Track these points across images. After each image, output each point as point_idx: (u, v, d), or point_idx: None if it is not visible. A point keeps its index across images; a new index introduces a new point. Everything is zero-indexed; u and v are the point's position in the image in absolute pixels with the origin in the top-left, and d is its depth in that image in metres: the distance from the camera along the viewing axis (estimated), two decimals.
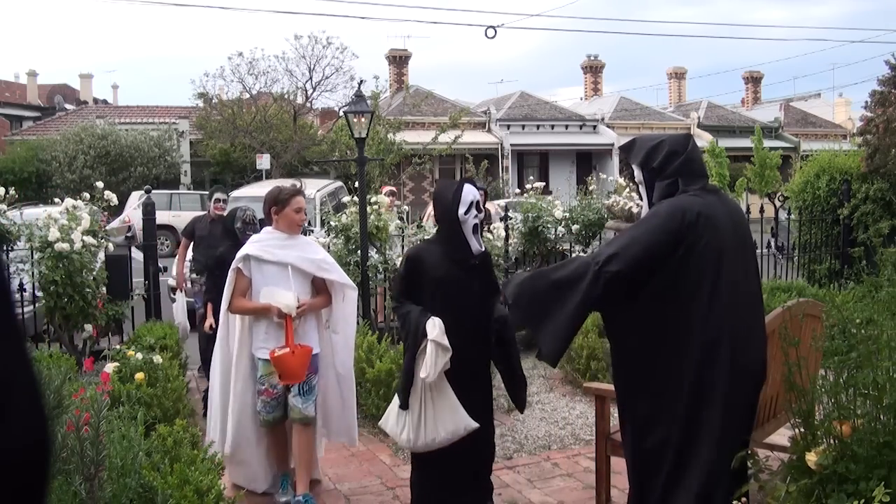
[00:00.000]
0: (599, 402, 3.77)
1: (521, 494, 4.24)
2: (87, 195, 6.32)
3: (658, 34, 79.44)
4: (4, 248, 6.22)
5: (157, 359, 5.12)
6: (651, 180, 2.91)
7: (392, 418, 3.59)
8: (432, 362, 3.32)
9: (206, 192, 12.82)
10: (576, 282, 2.76)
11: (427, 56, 77.16)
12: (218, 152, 24.19)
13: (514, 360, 3.68)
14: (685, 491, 2.71)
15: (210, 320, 5.62)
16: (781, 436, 3.36)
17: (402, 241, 7.60)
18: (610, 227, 7.76)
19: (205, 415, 4.79)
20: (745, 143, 28.45)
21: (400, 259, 5.45)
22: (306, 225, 4.35)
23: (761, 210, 8.56)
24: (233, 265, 4.09)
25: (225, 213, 6.89)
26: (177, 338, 6.34)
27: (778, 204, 12.06)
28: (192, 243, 7.26)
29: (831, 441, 2.60)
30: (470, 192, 3.57)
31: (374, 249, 7.29)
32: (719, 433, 2.67)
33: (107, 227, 6.55)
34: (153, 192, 8.07)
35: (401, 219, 8.28)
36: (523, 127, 29.38)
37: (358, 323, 4.58)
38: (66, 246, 5.69)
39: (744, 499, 2.69)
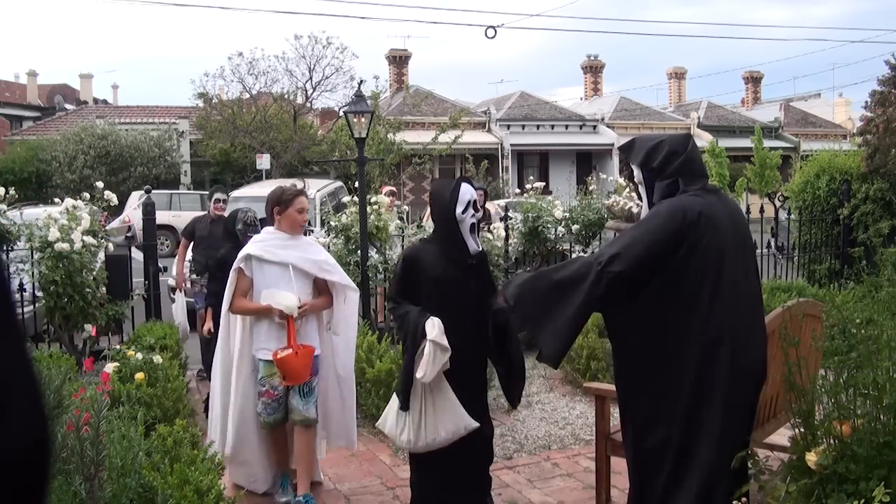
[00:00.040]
0: (599, 402, 3.77)
1: (521, 494, 4.24)
2: (87, 195, 6.32)
3: (658, 34, 79.48)
4: (4, 248, 6.22)
5: (157, 359, 5.12)
6: (651, 180, 2.91)
7: (391, 419, 3.57)
8: (429, 362, 3.31)
9: (206, 192, 12.82)
10: (578, 282, 2.75)
11: (427, 56, 77.19)
12: (218, 152, 24.20)
13: (514, 352, 3.63)
14: (685, 491, 2.71)
15: (209, 324, 5.62)
16: (781, 436, 3.36)
17: (402, 241, 7.60)
18: (610, 227, 7.75)
19: (206, 416, 4.78)
20: (745, 143, 28.45)
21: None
22: (306, 225, 4.34)
23: (761, 210, 8.56)
24: (234, 265, 4.09)
25: (225, 214, 6.89)
26: (177, 338, 6.34)
27: (778, 204, 12.07)
28: (191, 244, 7.26)
29: (831, 441, 2.60)
30: (467, 192, 3.55)
31: (374, 249, 7.29)
32: (719, 433, 2.67)
33: (107, 227, 6.54)
34: (153, 192, 8.07)
35: (401, 219, 8.28)
36: (523, 127, 29.38)
37: (358, 323, 4.57)
38: (66, 246, 5.69)
39: (744, 499, 2.69)
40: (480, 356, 3.67)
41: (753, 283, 2.93)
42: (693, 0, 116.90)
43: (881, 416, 2.58)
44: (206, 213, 7.53)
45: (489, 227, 7.87)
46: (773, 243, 11.73)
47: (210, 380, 4.56)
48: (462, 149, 23.53)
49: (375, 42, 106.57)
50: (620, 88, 58.07)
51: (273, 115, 22.99)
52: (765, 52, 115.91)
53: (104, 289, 6.17)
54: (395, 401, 3.60)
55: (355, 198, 7.26)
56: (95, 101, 34.94)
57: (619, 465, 3.78)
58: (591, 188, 8.94)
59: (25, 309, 6.34)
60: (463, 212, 3.52)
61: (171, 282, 7.91)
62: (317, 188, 12.23)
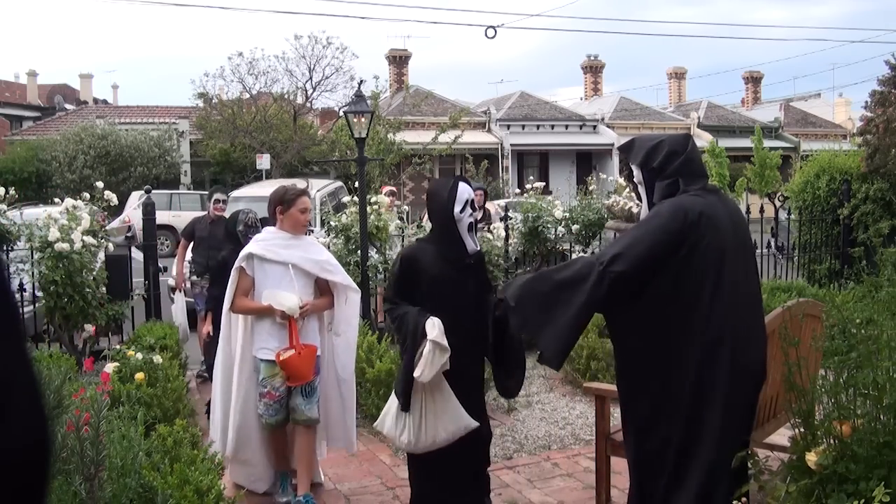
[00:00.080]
0: (599, 402, 3.76)
1: (521, 494, 4.24)
2: (87, 195, 6.32)
3: (658, 34, 79.50)
4: (4, 248, 6.22)
5: (157, 359, 5.12)
6: (651, 180, 2.91)
7: (389, 420, 3.55)
8: (428, 362, 3.29)
9: (206, 193, 12.82)
10: (580, 282, 2.74)
11: (427, 56, 77.22)
12: (218, 152, 24.20)
13: (514, 344, 3.56)
14: (685, 491, 2.71)
15: (208, 328, 5.62)
16: (781, 436, 3.36)
17: (402, 241, 7.60)
18: (610, 227, 7.75)
19: (208, 418, 4.76)
20: (745, 143, 28.46)
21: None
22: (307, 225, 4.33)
23: (761, 210, 8.56)
24: (236, 264, 4.08)
25: (225, 214, 6.89)
26: (177, 338, 6.34)
27: (778, 204, 12.07)
28: (191, 244, 7.26)
29: (831, 441, 2.60)
30: (465, 191, 3.53)
31: (374, 249, 7.29)
32: (719, 433, 2.67)
33: (106, 227, 6.54)
34: (153, 192, 8.07)
35: (401, 219, 8.29)
36: (523, 127, 29.39)
37: (358, 324, 4.56)
38: (66, 246, 5.69)
39: (744, 499, 2.69)
40: (479, 356, 3.66)
41: (753, 283, 2.93)
42: (693, 0, 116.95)
43: (881, 416, 2.58)
44: (205, 213, 7.51)
45: (489, 227, 7.88)
46: (773, 243, 11.73)
47: (212, 381, 4.56)
48: (462, 149, 23.52)
49: (375, 42, 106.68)
50: (620, 88, 58.11)
51: (273, 115, 22.99)
52: (765, 52, 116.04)
53: (104, 289, 6.17)
54: (393, 402, 3.58)
55: (355, 198, 7.27)
56: (95, 101, 34.94)
57: (619, 465, 3.78)
58: (591, 188, 8.94)
59: (25, 309, 6.34)
60: (461, 211, 3.50)
61: (171, 282, 7.91)
62: (317, 188, 12.23)
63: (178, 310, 6.92)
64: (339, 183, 14.61)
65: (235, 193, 11.94)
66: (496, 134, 28.86)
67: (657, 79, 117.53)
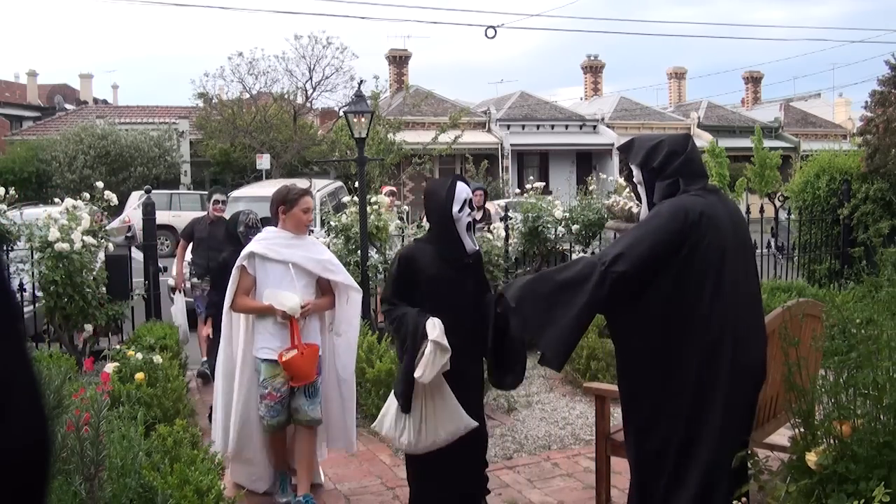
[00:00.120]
0: (599, 402, 3.76)
1: (521, 494, 4.24)
2: (87, 195, 6.32)
3: (658, 34, 79.53)
4: (4, 248, 6.22)
5: (157, 359, 5.12)
6: (651, 180, 2.91)
7: (388, 421, 3.53)
8: (429, 362, 3.27)
9: (206, 193, 12.81)
10: (582, 283, 2.73)
11: (427, 56, 77.21)
12: (218, 152, 24.20)
13: (515, 342, 3.54)
14: (685, 491, 2.71)
15: (208, 330, 5.61)
16: (781, 436, 3.36)
17: (402, 241, 7.60)
18: (610, 227, 7.76)
19: (210, 422, 4.73)
20: (745, 143, 28.45)
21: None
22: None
23: (761, 210, 8.56)
24: (237, 262, 4.07)
25: (224, 215, 6.88)
26: (177, 338, 6.34)
27: (778, 204, 12.07)
28: (190, 245, 7.24)
29: (831, 441, 2.60)
30: (463, 190, 3.52)
31: (374, 249, 7.29)
32: (719, 433, 2.67)
33: (106, 227, 6.54)
34: (153, 192, 8.06)
35: (401, 219, 8.28)
36: (523, 127, 29.39)
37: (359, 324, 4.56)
38: (66, 246, 5.69)
39: (744, 499, 2.69)
40: (479, 355, 3.65)
41: (753, 283, 2.93)
42: (693, 0, 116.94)
43: (881, 416, 2.58)
44: (205, 214, 7.51)
45: (489, 227, 7.88)
46: (773, 243, 11.73)
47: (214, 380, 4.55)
48: (462, 149, 23.52)
49: (375, 42, 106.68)
50: (620, 88, 58.08)
51: (273, 115, 22.99)
52: (765, 52, 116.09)
53: (104, 289, 6.17)
54: (391, 402, 3.56)
55: (355, 198, 7.26)
56: (95, 101, 34.95)
57: (619, 465, 3.79)
58: (591, 188, 8.94)
59: (25, 309, 6.34)
60: (460, 210, 3.49)
61: (171, 282, 7.91)
62: (317, 188, 12.23)
63: (177, 311, 6.92)
64: (339, 183, 14.62)
65: (235, 193, 11.94)
66: (496, 134, 28.86)
67: (657, 79, 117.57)
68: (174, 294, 7.29)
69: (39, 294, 5.97)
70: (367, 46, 44.02)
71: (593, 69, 36.76)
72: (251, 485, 4.21)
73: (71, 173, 22.17)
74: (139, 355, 5.11)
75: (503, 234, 7.87)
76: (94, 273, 6.04)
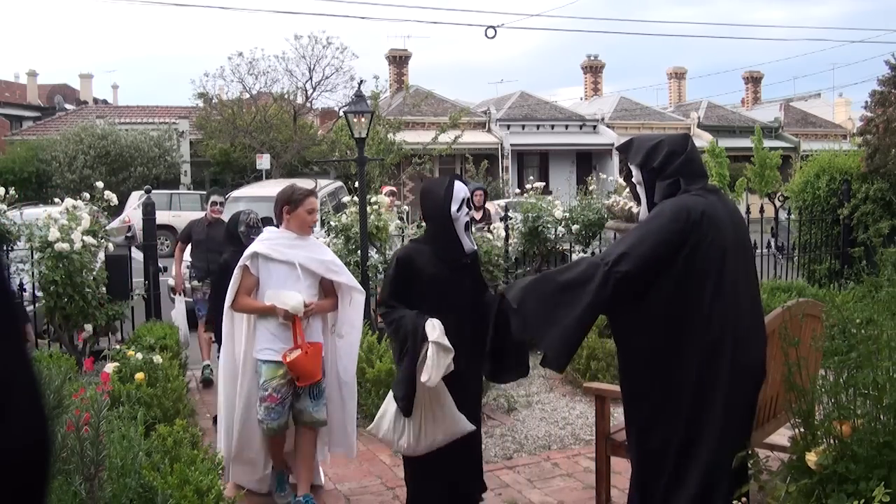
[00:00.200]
0: (599, 402, 3.76)
1: (521, 494, 4.24)
2: (87, 195, 6.32)
3: (658, 34, 79.51)
4: (4, 248, 6.22)
5: (157, 359, 5.12)
6: (651, 181, 2.90)
7: (386, 424, 3.51)
8: (433, 365, 3.23)
9: (206, 193, 12.80)
10: (584, 283, 2.72)
11: (427, 56, 77.19)
12: (218, 152, 24.20)
13: (515, 342, 3.53)
14: (685, 491, 2.71)
15: (209, 334, 5.59)
16: (781, 436, 3.36)
17: (402, 241, 7.60)
18: (610, 227, 7.76)
19: (214, 428, 4.70)
20: (745, 143, 28.44)
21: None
22: None
23: (761, 210, 8.56)
24: (240, 262, 4.04)
25: (222, 216, 6.87)
26: (177, 338, 6.34)
27: (778, 204, 12.07)
28: (188, 246, 7.21)
29: (831, 441, 2.61)
30: (461, 189, 3.51)
31: (374, 249, 7.29)
32: (719, 433, 2.67)
33: (106, 227, 6.54)
34: (153, 192, 8.06)
35: (401, 219, 8.29)
36: (523, 127, 29.39)
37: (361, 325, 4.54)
38: (66, 246, 5.69)
39: (744, 499, 2.69)
40: (478, 355, 3.64)
41: (753, 283, 2.94)
42: (693, 0, 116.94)
43: (881, 416, 2.58)
44: (202, 216, 7.48)
45: (489, 227, 7.88)
46: (773, 243, 11.73)
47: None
48: (462, 149, 23.53)
49: (375, 42, 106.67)
50: (620, 88, 58.07)
51: (273, 115, 22.99)
52: (765, 52, 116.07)
53: (104, 289, 6.17)
54: (389, 405, 3.53)
55: (355, 198, 7.27)
56: (95, 101, 34.95)
57: (619, 465, 3.79)
58: (591, 188, 8.95)
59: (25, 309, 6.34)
60: (458, 209, 3.48)
61: (171, 282, 7.91)
62: (318, 188, 12.23)
63: (177, 313, 6.91)
64: (339, 183, 14.63)
65: (235, 193, 11.96)
66: (496, 134, 28.86)
67: (657, 79, 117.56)
68: (174, 296, 7.28)
69: (39, 294, 5.97)
70: (367, 46, 44.10)
71: (593, 69, 36.76)
72: (252, 485, 4.21)
73: (71, 173, 22.17)
74: (139, 355, 5.11)
75: (503, 234, 7.87)
76: (94, 273, 6.04)
